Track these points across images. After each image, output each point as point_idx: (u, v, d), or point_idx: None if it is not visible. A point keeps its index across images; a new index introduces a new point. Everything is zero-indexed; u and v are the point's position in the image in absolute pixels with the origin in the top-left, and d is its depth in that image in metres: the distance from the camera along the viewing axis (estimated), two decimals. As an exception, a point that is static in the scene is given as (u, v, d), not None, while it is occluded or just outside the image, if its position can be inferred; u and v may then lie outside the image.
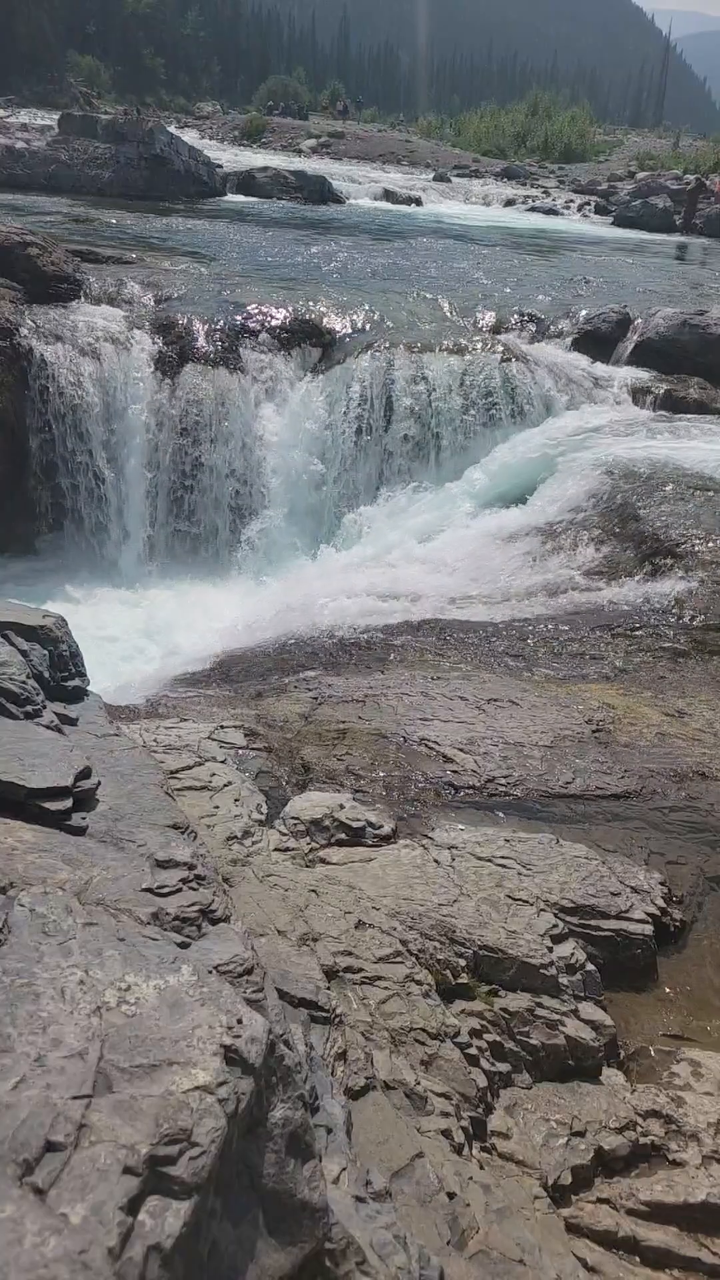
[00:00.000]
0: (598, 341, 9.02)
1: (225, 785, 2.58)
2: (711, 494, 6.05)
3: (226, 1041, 0.92)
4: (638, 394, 8.29)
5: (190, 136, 24.75)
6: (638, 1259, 1.55)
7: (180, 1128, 0.82)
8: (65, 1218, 0.72)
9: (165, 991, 0.97)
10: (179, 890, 1.29)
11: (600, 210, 25.62)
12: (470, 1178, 1.50)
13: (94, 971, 0.98)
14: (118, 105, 34.17)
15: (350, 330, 8.25)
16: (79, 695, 1.98)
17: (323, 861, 2.39)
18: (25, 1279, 0.67)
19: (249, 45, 68.69)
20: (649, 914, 2.33)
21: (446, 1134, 1.59)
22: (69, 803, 1.42)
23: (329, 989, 1.74)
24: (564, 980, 2.05)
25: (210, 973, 1.05)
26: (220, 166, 19.88)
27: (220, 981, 1.03)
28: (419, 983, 1.89)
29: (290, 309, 8.22)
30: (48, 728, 1.65)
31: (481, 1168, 1.58)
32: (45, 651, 1.92)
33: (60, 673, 1.96)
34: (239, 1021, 0.95)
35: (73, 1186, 0.75)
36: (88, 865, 1.27)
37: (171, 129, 19.79)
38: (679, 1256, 1.55)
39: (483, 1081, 1.77)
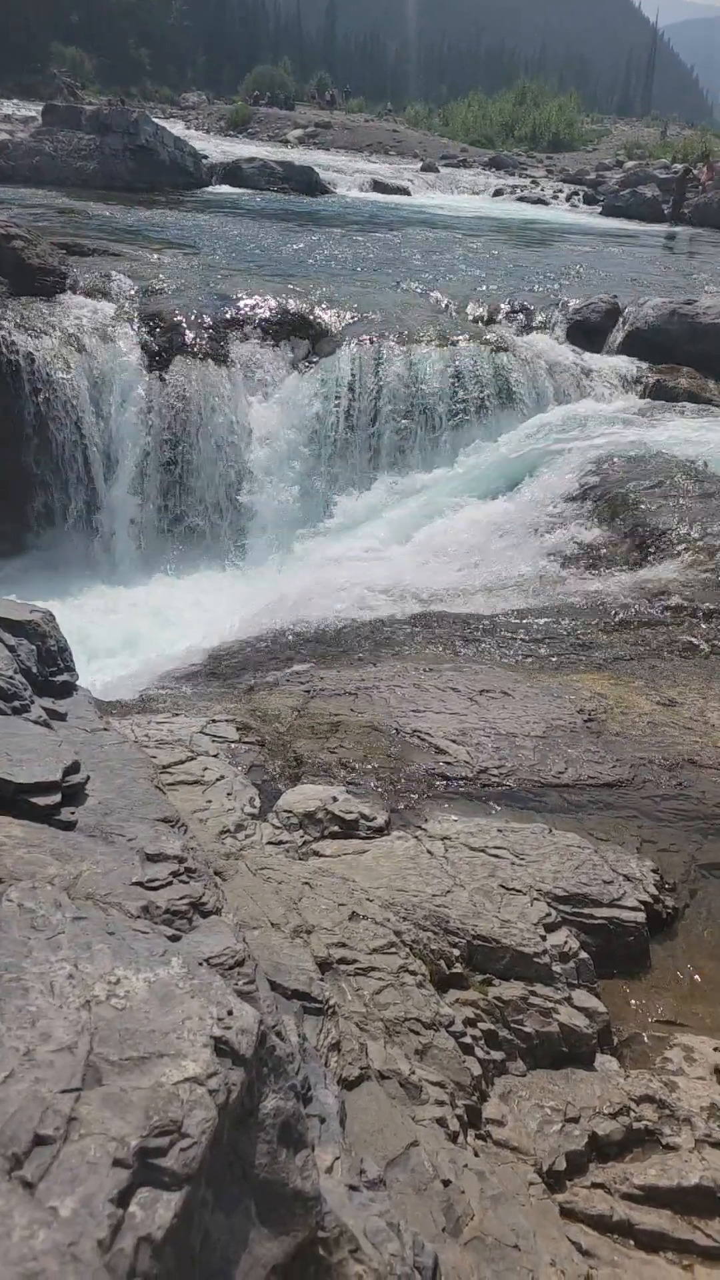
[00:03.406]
0: (587, 332, 9.00)
1: (218, 779, 2.57)
2: (702, 483, 6.06)
3: (217, 1033, 0.92)
4: (628, 384, 8.29)
5: (176, 127, 24.56)
6: (632, 1242, 1.56)
7: (170, 1119, 0.82)
8: (55, 1211, 0.72)
9: (155, 984, 0.97)
10: (169, 884, 1.28)
11: (588, 200, 25.54)
12: (465, 1165, 1.51)
13: (83, 965, 0.97)
14: (102, 96, 33.88)
15: (339, 322, 8.21)
16: (68, 690, 1.97)
17: (316, 854, 2.39)
18: (14, 1272, 0.67)
19: (234, 35, 68.09)
20: (641, 901, 2.34)
21: (441, 1122, 1.59)
22: (58, 798, 1.41)
23: (323, 980, 1.74)
24: (557, 968, 2.06)
25: (201, 965, 1.04)
26: (206, 157, 19.75)
27: (211, 974, 1.03)
28: (413, 973, 1.90)
29: (278, 301, 8.17)
30: (36, 723, 1.64)
31: (476, 1155, 1.59)
32: (33, 646, 1.91)
33: (49, 668, 1.95)
34: (229, 1013, 0.95)
35: (62, 1179, 0.75)
36: (77, 860, 1.27)
37: (157, 120, 19.62)
38: (673, 1239, 1.57)
39: (477, 1070, 1.77)
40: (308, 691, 3.57)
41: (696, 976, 2.25)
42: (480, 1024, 1.90)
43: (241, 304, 8.02)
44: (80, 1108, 0.81)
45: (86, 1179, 0.75)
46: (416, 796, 2.82)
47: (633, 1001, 2.16)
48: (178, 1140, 0.81)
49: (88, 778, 1.54)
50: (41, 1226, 0.71)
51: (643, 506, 5.77)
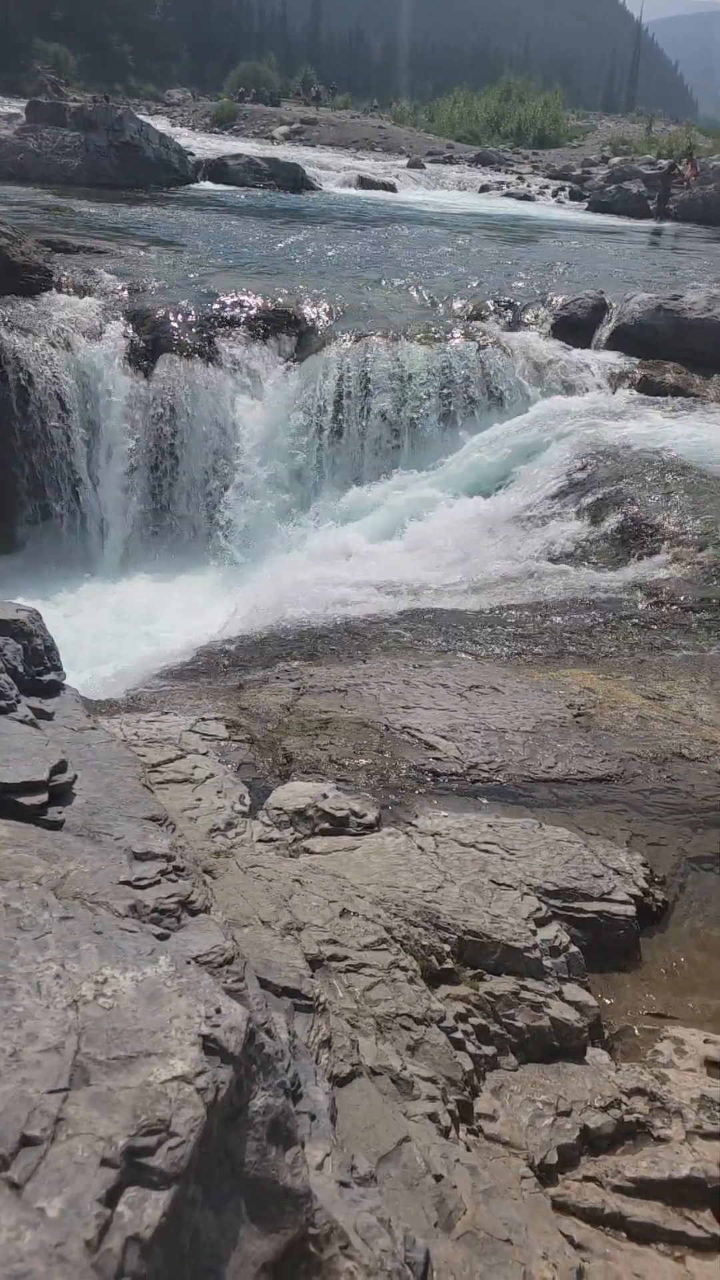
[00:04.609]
0: (574, 328, 9.01)
1: (207, 777, 2.57)
2: (688, 478, 6.08)
3: (205, 1031, 0.91)
4: (615, 380, 8.30)
5: (161, 124, 24.42)
6: (624, 1234, 1.57)
7: (158, 1118, 0.81)
8: (42, 1211, 0.72)
9: (143, 983, 0.96)
10: (157, 882, 1.28)
11: (574, 196, 25.62)
12: (457, 1160, 1.51)
13: (70, 965, 0.97)
14: (86, 93, 33.62)
15: (326, 319, 8.19)
16: (55, 689, 1.96)
17: (306, 851, 2.38)
18: (1, 1273, 0.67)
19: (219, 31, 67.85)
20: (631, 895, 2.35)
21: (433, 1118, 1.59)
22: (44, 797, 1.41)
23: (313, 977, 1.74)
24: (548, 962, 2.07)
25: (189, 963, 1.04)
26: (192, 154, 19.68)
27: (199, 972, 1.02)
28: (404, 969, 1.90)
29: (265, 298, 8.15)
30: (22, 722, 1.63)
31: (468, 1150, 1.59)
32: (19, 646, 1.90)
33: (35, 667, 1.93)
34: (217, 1011, 0.94)
35: (50, 1180, 0.74)
36: (64, 859, 1.26)
37: (142, 116, 19.54)
38: (664, 1231, 1.57)
39: (469, 1065, 1.77)
40: (297, 689, 3.56)
41: (686, 969, 2.26)
42: (471, 1019, 1.90)
43: (228, 301, 8.00)
44: (68, 1108, 0.80)
45: (74, 1179, 0.75)
46: (407, 793, 2.82)
47: (623, 995, 2.16)
48: (166, 1139, 0.80)
49: (75, 777, 1.53)
50: (28, 1227, 0.70)
51: (629, 501, 5.79)
